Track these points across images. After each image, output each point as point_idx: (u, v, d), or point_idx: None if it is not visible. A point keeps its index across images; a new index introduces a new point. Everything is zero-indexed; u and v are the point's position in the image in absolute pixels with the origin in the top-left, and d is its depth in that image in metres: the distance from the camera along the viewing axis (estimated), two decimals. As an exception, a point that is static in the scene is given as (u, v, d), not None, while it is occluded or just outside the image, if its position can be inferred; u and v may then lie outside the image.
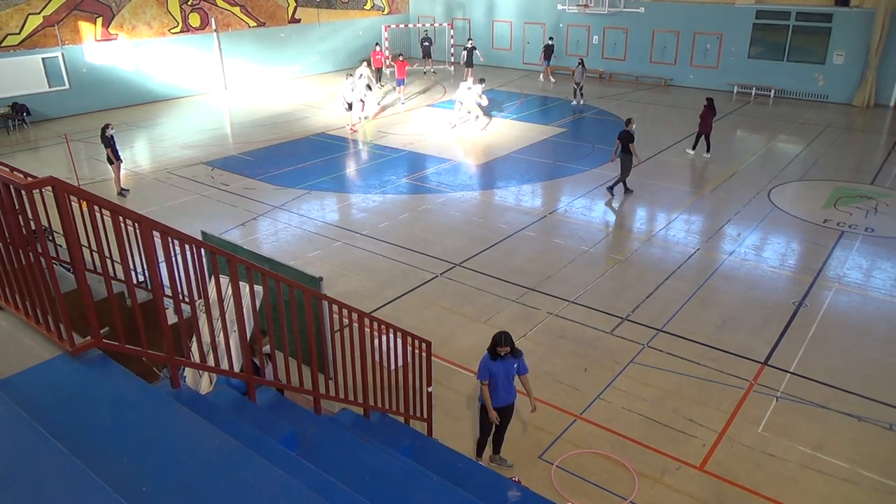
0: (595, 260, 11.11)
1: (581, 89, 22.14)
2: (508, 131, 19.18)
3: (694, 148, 16.97)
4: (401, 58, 22.98)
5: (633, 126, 13.68)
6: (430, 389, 6.53)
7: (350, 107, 18.96)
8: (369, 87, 21.28)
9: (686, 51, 25.13)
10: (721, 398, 7.54)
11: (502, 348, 5.93)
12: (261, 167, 15.84)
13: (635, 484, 6.29)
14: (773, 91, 23.42)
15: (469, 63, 24.72)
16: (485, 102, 19.32)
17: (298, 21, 27.25)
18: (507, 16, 29.15)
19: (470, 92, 18.91)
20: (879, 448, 6.80)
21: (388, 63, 24.99)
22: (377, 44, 26.54)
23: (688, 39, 24.96)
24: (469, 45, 24.91)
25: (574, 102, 22.35)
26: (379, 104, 19.96)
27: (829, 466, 6.55)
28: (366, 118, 20.08)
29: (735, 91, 24.13)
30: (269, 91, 25.14)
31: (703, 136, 16.65)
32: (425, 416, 6.61)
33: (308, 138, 18.52)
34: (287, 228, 12.34)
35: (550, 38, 26.33)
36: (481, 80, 19.49)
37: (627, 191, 14.05)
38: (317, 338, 5.59)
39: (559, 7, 26.65)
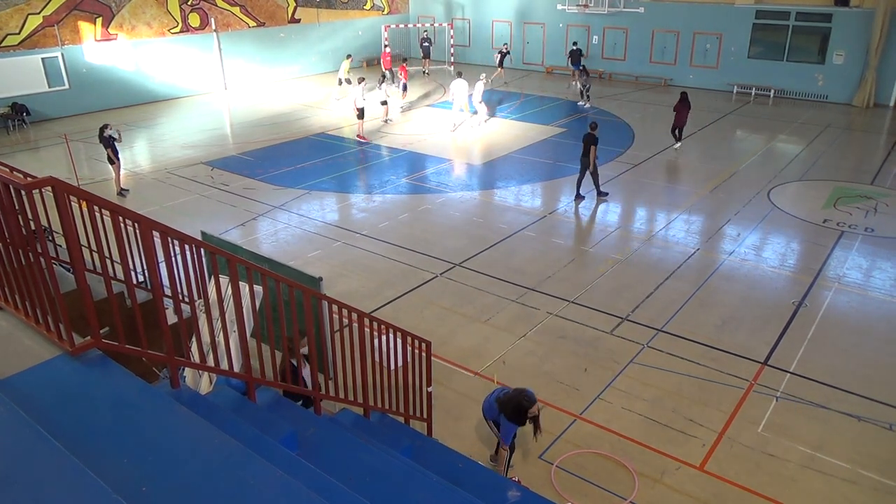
0: (595, 260, 11.11)
1: (588, 91, 22.15)
2: (508, 131, 19.19)
3: (678, 141, 17.34)
4: (405, 63, 22.95)
5: (597, 130, 13.35)
6: (429, 389, 6.53)
7: (361, 113, 17.94)
8: (348, 82, 21.86)
9: (686, 51, 25.13)
10: (721, 398, 7.54)
11: (532, 409, 5.72)
12: (260, 167, 15.84)
13: (635, 484, 6.29)
14: (772, 91, 23.43)
15: (500, 65, 25.31)
16: (483, 109, 19.51)
17: (298, 21, 27.26)
18: (506, 16, 29.16)
19: (462, 88, 18.97)
20: (879, 448, 6.80)
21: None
22: (386, 45, 26.47)
23: (687, 39, 24.97)
24: (504, 50, 25.35)
25: (581, 104, 22.29)
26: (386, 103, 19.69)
27: (829, 466, 6.55)
28: (386, 121, 19.81)
29: (735, 91, 24.13)
30: (269, 91, 25.14)
31: (678, 129, 17.19)
32: (425, 416, 6.61)
33: (308, 138, 18.51)
34: (287, 228, 12.34)
35: (575, 43, 25.80)
36: (458, 75, 19.69)
37: (578, 196, 13.66)
38: (316, 338, 5.59)
39: (559, 7, 26.65)
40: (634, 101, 23.07)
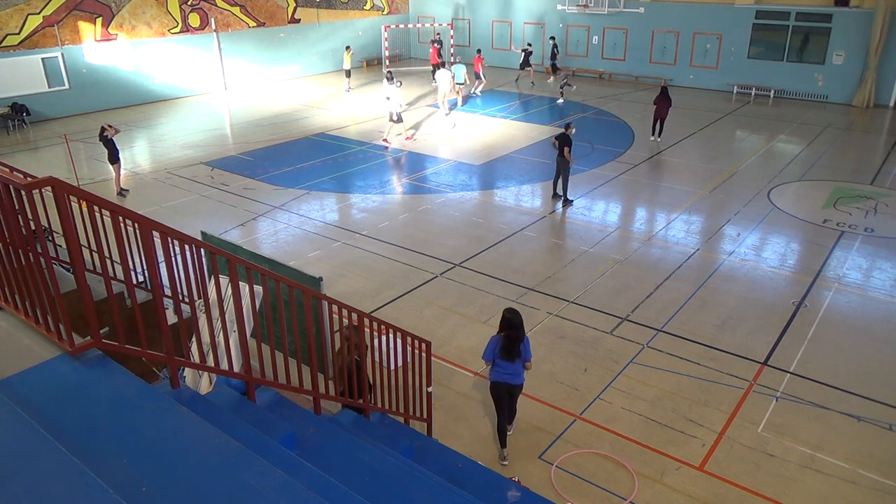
0: (595, 260, 11.11)
1: (562, 86, 22.52)
2: (507, 131, 19.19)
3: (654, 133, 17.83)
4: (479, 53, 24.19)
5: (573, 131, 13.24)
6: (429, 389, 6.53)
7: (398, 118, 17.48)
8: (347, 74, 22.82)
9: (686, 51, 25.14)
10: (721, 398, 7.55)
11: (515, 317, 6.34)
12: (260, 167, 15.84)
13: (635, 484, 6.29)
14: (772, 91, 23.43)
15: (526, 65, 25.17)
16: (462, 81, 20.62)
17: (298, 21, 27.26)
18: (506, 16, 29.17)
19: (443, 77, 19.68)
20: (879, 448, 6.80)
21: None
22: (478, 49, 25.51)
23: (687, 40, 24.97)
24: (528, 49, 25.43)
25: (560, 101, 22.69)
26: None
27: (829, 466, 6.55)
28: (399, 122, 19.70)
29: (735, 91, 24.14)
30: (269, 91, 25.14)
31: (658, 121, 17.61)
32: (425, 416, 6.61)
33: (308, 138, 18.52)
34: (287, 229, 12.34)
35: (552, 38, 26.32)
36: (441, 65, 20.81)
37: (567, 201, 13.40)
38: (316, 338, 5.59)
39: (559, 7, 26.67)
40: (634, 101, 23.06)
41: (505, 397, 6.46)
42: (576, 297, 9.79)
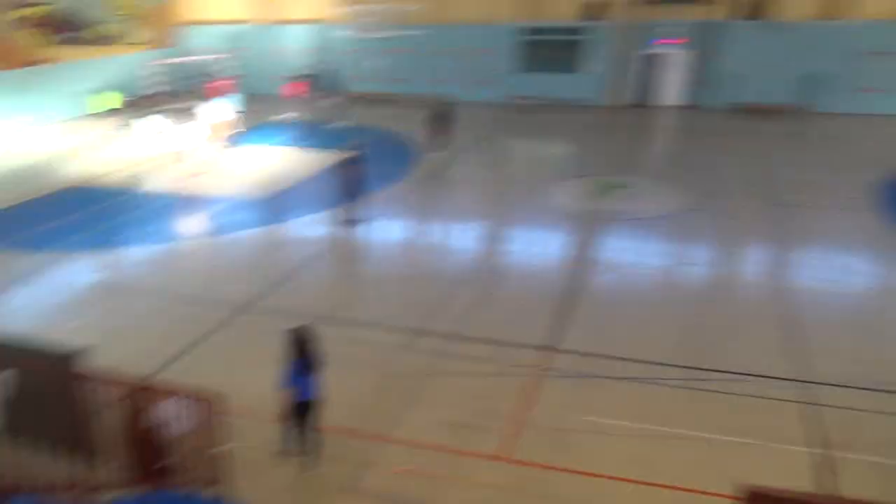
0: (382, 280, 11.29)
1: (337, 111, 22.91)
2: (291, 161, 18.82)
3: (434, 150, 17.88)
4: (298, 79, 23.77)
5: (362, 150, 13.44)
6: (221, 449, 6.06)
7: (179, 155, 16.69)
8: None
9: (462, 69, 26.80)
10: (510, 389, 8.00)
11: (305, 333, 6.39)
12: (3, 231, 13.68)
13: (448, 490, 6.44)
14: (540, 100, 25.69)
15: (312, 91, 24.72)
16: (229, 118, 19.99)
17: (42, 62, 24.10)
18: (283, 43, 28.99)
19: (211, 107, 19.52)
20: (659, 402, 7.73)
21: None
22: (302, 74, 24.69)
23: (463, 58, 26.69)
24: (308, 74, 25.21)
25: (338, 123, 22.84)
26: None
27: (618, 427, 7.26)
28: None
29: (508, 103, 26.01)
30: (8, 142, 21.86)
31: (437, 138, 17.75)
32: (220, 478, 6.12)
33: (63, 191, 16.40)
34: (41, 299, 10.74)
35: (321, 62, 26.56)
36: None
37: (354, 223, 13.35)
38: (76, 424, 4.90)
39: (339, 33, 27.10)
40: (419, 121, 23.70)
41: (301, 416, 6.48)
42: (367, 320, 9.77)
